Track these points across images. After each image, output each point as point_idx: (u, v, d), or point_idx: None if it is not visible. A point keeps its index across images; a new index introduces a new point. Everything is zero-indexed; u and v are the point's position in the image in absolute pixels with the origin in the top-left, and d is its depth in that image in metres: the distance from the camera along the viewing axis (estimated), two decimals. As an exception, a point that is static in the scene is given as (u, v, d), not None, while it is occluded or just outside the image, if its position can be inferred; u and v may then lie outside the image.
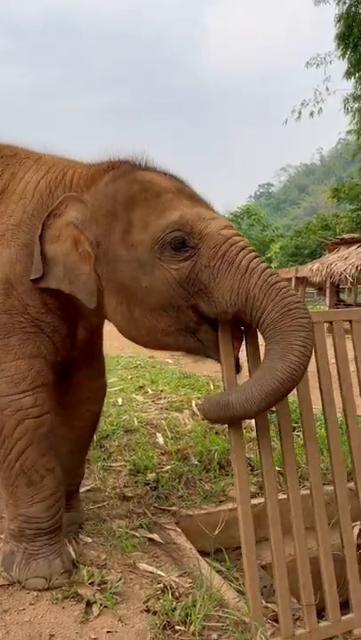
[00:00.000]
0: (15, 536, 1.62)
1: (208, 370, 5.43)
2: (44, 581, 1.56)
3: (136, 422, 3.21)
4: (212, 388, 4.28)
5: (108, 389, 3.93)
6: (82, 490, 2.25)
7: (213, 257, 1.43)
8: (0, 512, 1.89)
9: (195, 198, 1.55)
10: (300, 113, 12.67)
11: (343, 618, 1.55)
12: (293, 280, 12.70)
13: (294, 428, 3.22)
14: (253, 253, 1.45)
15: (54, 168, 1.71)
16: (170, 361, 6.12)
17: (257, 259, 1.45)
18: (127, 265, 1.48)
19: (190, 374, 4.90)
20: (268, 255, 28.09)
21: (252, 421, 3.25)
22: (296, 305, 1.38)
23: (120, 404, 3.64)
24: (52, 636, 1.36)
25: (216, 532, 2.05)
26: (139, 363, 5.84)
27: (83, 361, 1.79)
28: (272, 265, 27.64)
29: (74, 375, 1.79)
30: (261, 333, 1.44)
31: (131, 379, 4.69)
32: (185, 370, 5.33)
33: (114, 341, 7.30)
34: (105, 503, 2.22)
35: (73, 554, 1.71)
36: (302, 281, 12.82)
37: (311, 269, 11.55)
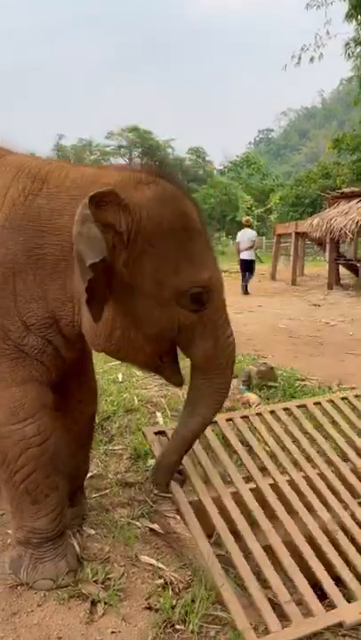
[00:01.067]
0: (22, 543, 1.68)
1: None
2: (51, 582, 1.63)
3: (136, 401, 3.26)
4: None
5: (109, 364, 4.01)
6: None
7: (212, 321, 1.66)
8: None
9: (211, 245, 1.67)
10: (299, 58, 12.11)
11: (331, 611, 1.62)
12: (293, 235, 12.52)
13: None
14: (230, 329, 1.74)
15: (26, 171, 1.58)
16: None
17: (230, 332, 1.75)
18: (148, 296, 1.52)
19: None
20: (268, 206, 27.68)
21: (251, 398, 3.30)
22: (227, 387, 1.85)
23: (120, 380, 3.68)
24: (59, 638, 1.43)
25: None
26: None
27: (72, 369, 1.78)
28: (272, 217, 27.28)
29: (63, 383, 1.77)
30: (194, 373, 1.78)
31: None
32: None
33: None
34: (107, 491, 2.28)
35: (77, 548, 1.78)
36: (302, 235, 12.65)
37: (311, 224, 11.37)
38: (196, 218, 1.58)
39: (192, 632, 1.46)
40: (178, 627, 1.48)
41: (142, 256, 1.48)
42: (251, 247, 10.43)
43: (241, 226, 10.50)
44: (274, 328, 6.44)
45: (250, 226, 11.07)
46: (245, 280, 10.45)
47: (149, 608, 1.56)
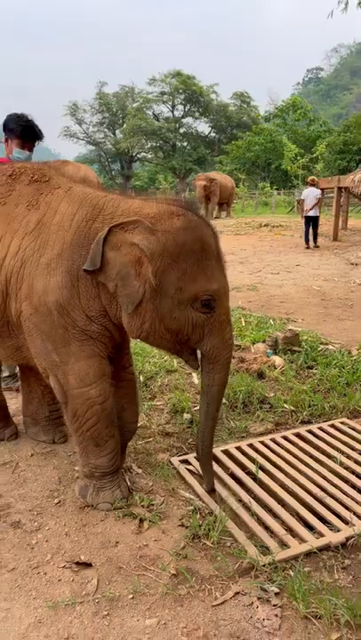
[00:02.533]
0: (87, 476, 2.23)
1: (241, 300, 5.89)
2: (109, 505, 2.18)
3: (175, 363, 3.78)
4: (243, 324, 4.76)
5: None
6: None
7: (218, 322, 2.05)
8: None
9: (222, 264, 2.06)
10: (346, 4, 11.70)
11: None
12: (336, 190, 12.45)
13: (312, 367, 3.73)
14: (231, 328, 2.13)
15: (88, 201, 2.06)
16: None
17: (231, 330, 2.13)
18: (170, 299, 1.94)
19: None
20: (315, 155, 26.95)
21: (276, 360, 3.75)
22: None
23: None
24: (117, 542, 2.00)
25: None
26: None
27: (119, 345, 2.27)
28: (317, 166, 26.57)
29: (115, 353, 2.26)
30: (204, 361, 2.14)
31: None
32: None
33: None
34: (151, 439, 2.82)
35: (128, 482, 2.35)
36: (346, 190, 12.54)
37: (353, 180, 11.30)
38: (212, 242, 2.00)
39: (212, 543, 1.99)
40: (202, 539, 2.02)
41: (168, 269, 1.91)
42: (316, 204, 11.39)
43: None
44: (308, 290, 6.76)
45: (314, 185, 11.86)
46: (310, 234, 11.38)
47: (182, 525, 2.10)
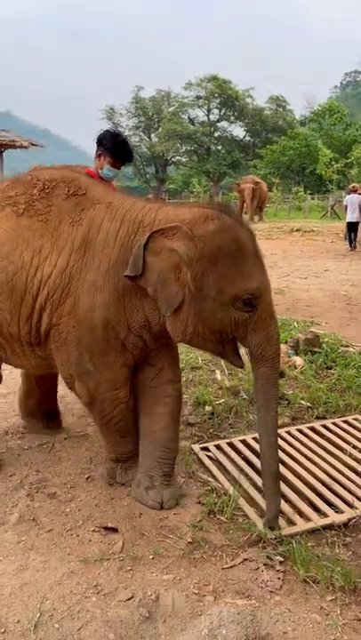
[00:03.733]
0: (114, 460, 2.46)
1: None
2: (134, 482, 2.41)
3: (200, 361, 4.01)
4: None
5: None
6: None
7: (261, 319, 2.07)
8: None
9: (261, 261, 2.09)
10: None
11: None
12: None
13: (331, 367, 3.92)
14: (275, 322, 2.15)
15: (128, 216, 2.14)
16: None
17: (275, 325, 2.15)
18: (211, 301, 2.00)
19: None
20: (350, 160, 26.77)
21: (297, 361, 3.94)
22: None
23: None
24: (140, 514, 2.24)
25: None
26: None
27: (164, 353, 2.35)
28: (352, 171, 26.39)
29: (158, 363, 2.35)
30: (253, 360, 2.15)
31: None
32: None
33: None
34: (174, 428, 3.06)
35: None
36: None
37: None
38: (248, 241, 2.03)
39: (226, 518, 2.21)
40: (217, 515, 2.24)
41: (206, 272, 1.97)
42: (356, 211, 12.04)
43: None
44: (334, 294, 6.88)
45: (355, 191, 12.43)
46: (351, 239, 12.01)
47: (199, 503, 2.33)
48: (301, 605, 1.73)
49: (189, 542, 2.05)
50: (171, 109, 46.48)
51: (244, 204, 18.59)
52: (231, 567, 1.92)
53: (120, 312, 2.13)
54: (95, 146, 2.99)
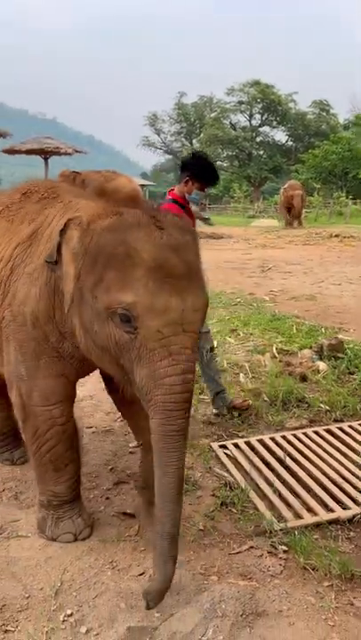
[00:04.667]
0: (44, 506, 2.11)
1: (298, 309, 6.17)
2: (71, 536, 2.06)
3: (225, 364, 4.16)
4: (294, 331, 5.06)
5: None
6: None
7: (146, 348, 1.57)
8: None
9: (162, 279, 1.56)
10: None
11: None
12: None
13: (353, 372, 3.99)
14: (179, 367, 1.56)
15: (71, 209, 1.91)
16: (266, 298, 6.91)
17: (178, 370, 1.57)
18: (89, 308, 1.68)
19: (280, 316, 5.68)
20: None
21: (320, 366, 4.03)
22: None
23: (215, 345, 4.60)
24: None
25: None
26: (238, 300, 6.69)
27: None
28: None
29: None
30: (147, 410, 1.66)
31: (228, 319, 5.58)
32: (278, 309, 6.12)
33: (218, 274, 8.43)
34: (195, 426, 3.23)
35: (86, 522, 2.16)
36: None
37: None
38: (148, 250, 1.57)
39: (237, 509, 2.37)
40: (229, 507, 2.40)
41: (86, 272, 1.66)
42: None
43: None
44: (367, 302, 6.89)
45: None
46: None
47: (213, 495, 2.49)
48: (299, 589, 1.87)
49: (200, 529, 2.21)
50: (213, 115, 46.76)
51: (291, 211, 18.62)
52: (237, 553, 2.07)
53: (49, 310, 1.87)
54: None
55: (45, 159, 27.05)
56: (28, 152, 27.47)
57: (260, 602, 1.77)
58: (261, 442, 3.03)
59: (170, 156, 51.59)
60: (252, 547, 2.11)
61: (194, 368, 1.65)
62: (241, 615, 1.70)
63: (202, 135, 45.97)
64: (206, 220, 3.84)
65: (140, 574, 1.91)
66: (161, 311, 1.55)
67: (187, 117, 49.04)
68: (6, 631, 1.66)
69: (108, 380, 2.23)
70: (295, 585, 1.89)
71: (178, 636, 1.63)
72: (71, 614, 1.72)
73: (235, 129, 44.91)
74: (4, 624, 1.68)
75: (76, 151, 27.95)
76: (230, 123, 45.67)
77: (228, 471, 2.72)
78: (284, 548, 2.10)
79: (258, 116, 45.54)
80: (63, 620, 1.70)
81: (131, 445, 2.94)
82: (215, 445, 2.99)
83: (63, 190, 2.14)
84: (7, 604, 1.77)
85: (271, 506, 2.40)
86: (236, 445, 3.00)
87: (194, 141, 49.39)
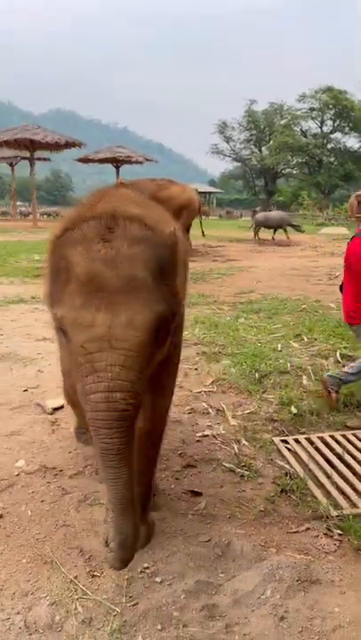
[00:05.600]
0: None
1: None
2: None
3: (289, 366, 4.34)
4: None
5: (272, 335, 5.14)
6: (245, 412, 3.52)
7: (75, 360, 1.52)
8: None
9: (97, 292, 1.47)
10: None
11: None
12: None
13: None
14: (102, 384, 1.46)
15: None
16: (333, 305, 6.97)
17: (95, 389, 1.47)
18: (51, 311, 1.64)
19: (345, 323, 5.76)
20: None
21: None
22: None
23: (279, 349, 4.78)
24: (222, 485, 2.65)
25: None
26: (304, 306, 6.80)
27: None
28: None
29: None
30: None
31: (293, 325, 5.73)
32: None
33: (281, 281, 8.63)
34: (259, 422, 3.44)
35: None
36: None
37: None
38: (86, 267, 1.49)
39: (296, 496, 2.56)
40: (288, 493, 2.60)
41: (47, 278, 1.64)
42: None
43: None
44: None
45: None
46: None
47: (274, 483, 2.70)
48: (351, 565, 2.05)
49: (261, 510, 2.43)
50: (283, 122, 46.57)
51: None
52: (295, 532, 2.27)
53: None
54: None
55: (117, 167, 28.13)
56: (101, 161, 28.68)
57: (315, 572, 1.97)
58: (322, 439, 3.20)
59: (238, 164, 51.78)
60: (308, 528, 2.30)
61: (126, 386, 1.46)
62: (297, 581, 1.91)
63: (271, 142, 45.87)
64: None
65: (207, 541, 2.15)
66: (85, 326, 1.47)
67: (256, 125, 49.08)
68: (93, 576, 1.96)
69: None
70: (348, 562, 2.07)
71: (240, 593, 1.86)
72: (147, 567, 1.99)
73: (305, 136, 44.51)
74: (91, 570, 1.98)
75: (147, 159, 28.88)
76: (301, 130, 45.32)
77: (288, 462, 2.92)
78: (339, 531, 2.27)
79: (329, 123, 44.93)
80: (141, 572, 1.97)
81: (197, 435, 3.20)
82: (277, 440, 3.19)
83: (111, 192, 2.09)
84: (93, 555, 2.07)
85: (328, 495, 2.58)
86: (296, 441, 3.19)
87: (263, 148, 49.33)
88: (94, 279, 1.47)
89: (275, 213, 20.69)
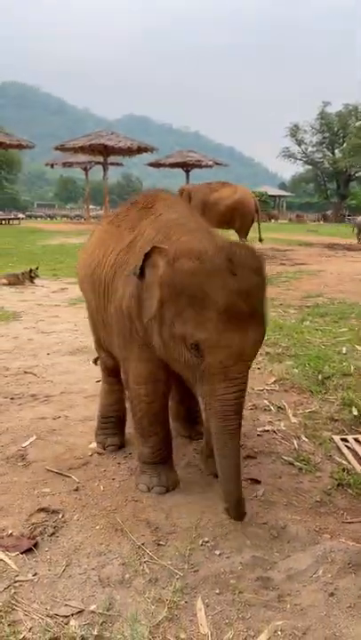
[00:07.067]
0: (138, 457, 2.62)
1: None
2: (145, 487, 2.52)
3: (352, 369, 4.37)
4: None
5: (338, 339, 5.17)
6: (306, 411, 3.62)
7: (209, 373, 1.97)
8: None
9: (233, 321, 1.88)
10: None
11: None
12: None
13: None
14: (234, 387, 1.97)
15: (164, 228, 2.29)
16: None
17: (232, 391, 1.98)
18: (168, 328, 2.05)
19: None
20: None
21: None
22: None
23: (344, 352, 4.81)
24: (280, 476, 2.78)
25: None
26: (372, 312, 6.75)
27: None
28: None
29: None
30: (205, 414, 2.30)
31: (358, 329, 5.72)
32: None
33: (350, 286, 8.58)
34: (319, 421, 3.52)
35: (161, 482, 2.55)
36: None
37: None
38: (222, 295, 1.86)
39: (353, 490, 2.65)
40: (345, 487, 2.69)
41: (168, 302, 2.01)
42: None
43: None
44: None
45: None
46: None
47: (331, 477, 2.79)
48: None
49: (317, 501, 2.54)
50: (358, 124, 45.34)
51: None
52: (350, 523, 2.37)
53: (139, 307, 2.22)
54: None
55: (187, 171, 28.53)
56: (172, 165, 29.20)
57: (366, 557, 2.07)
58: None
59: (310, 167, 50.87)
60: (363, 520, 2.39)
61: (245, 386, 2.04)
62: (348, 564, 2.02)
63: (345, 145, 44.77)
64: None
65: (264, 523, 2.30)
66: (225, 347, 1.91)
67: (330, 127, 48.09)
68: (159, 544, 2.16)
69: None
70: None
71: (293, 571, 2.00)
72: (208, 541, 2.17)
73: (381, 137, 43.07)
74: (157, 539, 2.18)
75: (216, 163, 29.09)
76: (376, 131, 43.91)
77: (346, 459, 3.00)
78: (394, 525, 2.35)
79: None
80: (202, 544, 2.15)
81: (258, 429, 3.34)
82: (336, 438, 3.27)
83: (159, 200, 2.54)
84: (159, 527, 2.27)
85: (384, 492, 2.65)
86: (357, 440, 3.26)
87: (336, 151, 48.24)
88: (232, 309, 1.87)
89: None
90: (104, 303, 2.57)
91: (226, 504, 2.15)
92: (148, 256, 2.10)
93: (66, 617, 1.78)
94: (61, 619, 1.77)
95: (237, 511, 2.13)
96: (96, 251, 2.68)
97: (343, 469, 2.86)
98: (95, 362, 3.45)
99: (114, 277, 2.46)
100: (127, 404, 2.68)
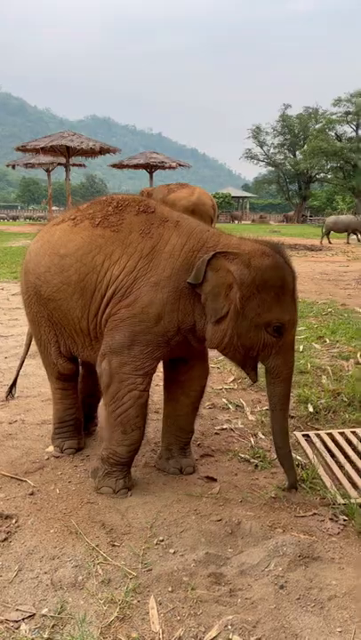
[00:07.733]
0: (103, 459, 2.56)
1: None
2: (110, 490, 2.52)
3: (309, 366, 4.46)
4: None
5: (296, 337, 5.24)
6: (263, 409, 3.67)
7: (284, 346, 2.43)
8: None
9: (295, 300, 2.44)
10: None
11: None
12: None
13: None
14: (294, 353, 2.51)
15: (194, 235, 2.47)
16: (359, 309, 7.04)
17: (293, 355, 2.52)
18: (249, 321, 2.34)
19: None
20: None
21: None
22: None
23: (301, 350, 4.91)
24: (236, 474, 2.82)
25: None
26: (330, 310, 6.89)
27: (197, 354, 2.70)
28: None
29: (191, 361, 2.72)
30: (268, 376, 2.50)
31: (316, 327, 5.84)
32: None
33: (310, 285, 8.73)
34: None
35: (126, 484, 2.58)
36: None
37: None
38: (290, 281, 2.37)
39: (306, 485, 2.70)
40: (300, 483, 2.73)
41: (252, 297, 2.30)
42: None
43: None
44: None
45: None
46: None
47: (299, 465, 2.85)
48: (352, 546, 2.19)
49: (272, 497, 2.58)
50: (318, 126, 46.24)
51: None
52: (302, 516, 2.42)
53: (174, 311, 2.41)
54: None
55: (151, 173, 28.52)
56: (136, 167, 29.13)
57: (317, 550, 2.12)
58: (342, 434, 3.32)
59: (272, 168, 51.58)
60: (315, 513, 2.44)
61: None
62: (299, 556, 2.06)
63: (305, 147, 45.58)
64: None
65: (218, 520, 2.33)
66: (295, 324, 2.49)
67: (290, 129, 48.89)
68: (113, 545, 2.16)
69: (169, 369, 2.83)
70: (350, 543, 2.21)
71: (246, 566, 2.03)
72: (162, 540, 2.18)
73: (340, 140, 44.05)
74: (111, 540, 2.18)
75: (180, 165, 29.19)
76: (336, 134, 44.87)
77: (305, 454, 3.06)
78: (345, 517, 2.41)
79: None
80: (156, 543, 2.16)
81: (216, 428, 3.37)
82: (298, 434, 3.32)
83: (155, 205, 2.64)
84: (114, 528, 2.27)
85: (340, 485, 2.72)
86: (317, 435, 3.32)
87: (297, 153, 49.07)
88: (295, 291, 2.43)
89: (345, 217, 20.82)
90: (101, 309, 2.52)
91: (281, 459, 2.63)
92: (210, 262, 2.32)
93: (16, 622, 1.76)
94: (12, 623, 1.75)
95: (294, 479, 2.63)
96: (87, 256, 2.53)
97: (298, 465, 2.91)
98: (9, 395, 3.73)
99: (132, 285, 2.44)
100: (101, 404, 2.66)
